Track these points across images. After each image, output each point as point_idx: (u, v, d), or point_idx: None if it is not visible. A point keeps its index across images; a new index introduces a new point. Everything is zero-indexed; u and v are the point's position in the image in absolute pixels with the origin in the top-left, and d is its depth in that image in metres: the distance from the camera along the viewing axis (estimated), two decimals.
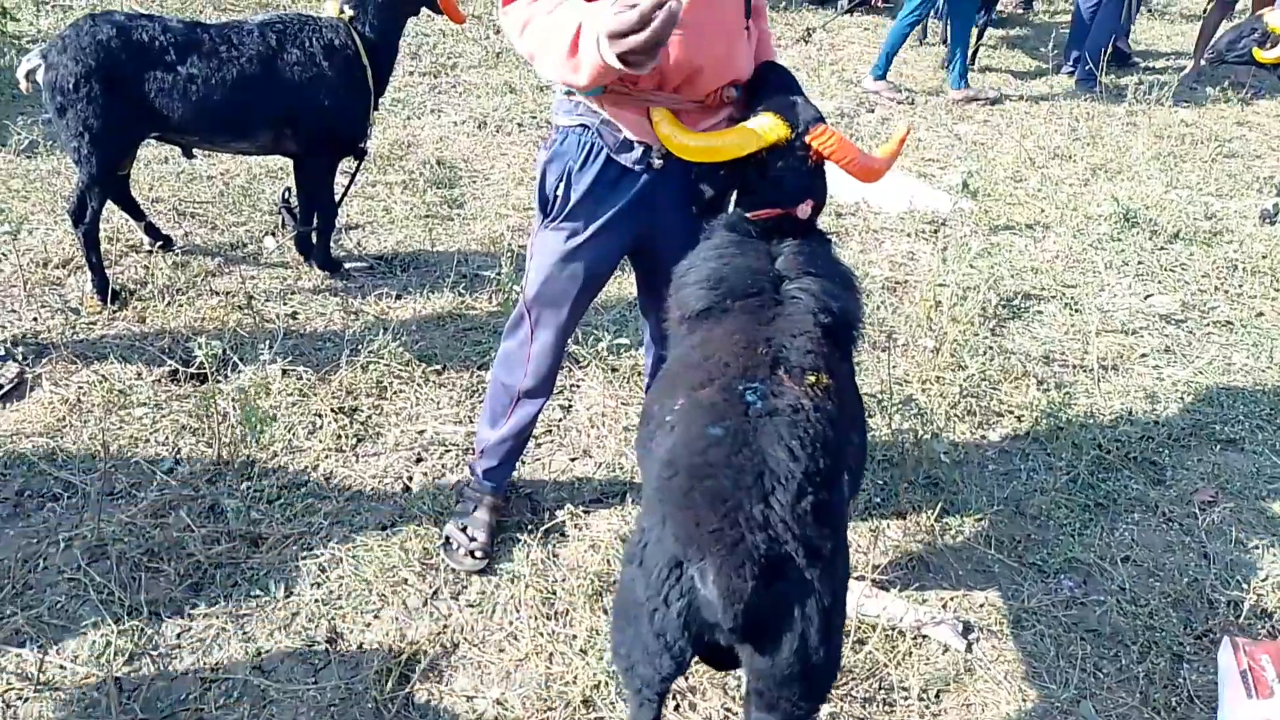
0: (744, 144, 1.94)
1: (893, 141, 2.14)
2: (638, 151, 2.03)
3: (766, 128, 1.95)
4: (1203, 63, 6.04)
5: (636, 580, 1.52)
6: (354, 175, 3.69)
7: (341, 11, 3.35)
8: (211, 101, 3.17)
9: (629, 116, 2.02)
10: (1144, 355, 3.66)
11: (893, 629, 2.38)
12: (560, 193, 2.09)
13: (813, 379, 1.61)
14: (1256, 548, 2.72)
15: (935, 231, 4.67)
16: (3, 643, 2.16)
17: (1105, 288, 4.14)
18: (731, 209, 2.10)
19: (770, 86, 2.11)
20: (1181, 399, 3.40)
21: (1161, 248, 4.50)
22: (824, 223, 4.53)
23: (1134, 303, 4.04)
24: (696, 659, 1.60)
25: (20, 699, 2.05)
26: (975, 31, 7.06)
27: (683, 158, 1.98)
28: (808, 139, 1.97)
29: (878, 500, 2.82)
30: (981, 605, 2.51)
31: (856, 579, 2.48)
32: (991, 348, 3.58)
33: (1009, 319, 3.87)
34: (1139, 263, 4.35)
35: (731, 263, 1.85)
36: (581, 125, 2.06)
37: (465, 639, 2.29)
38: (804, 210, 1.99)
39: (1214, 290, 4.16)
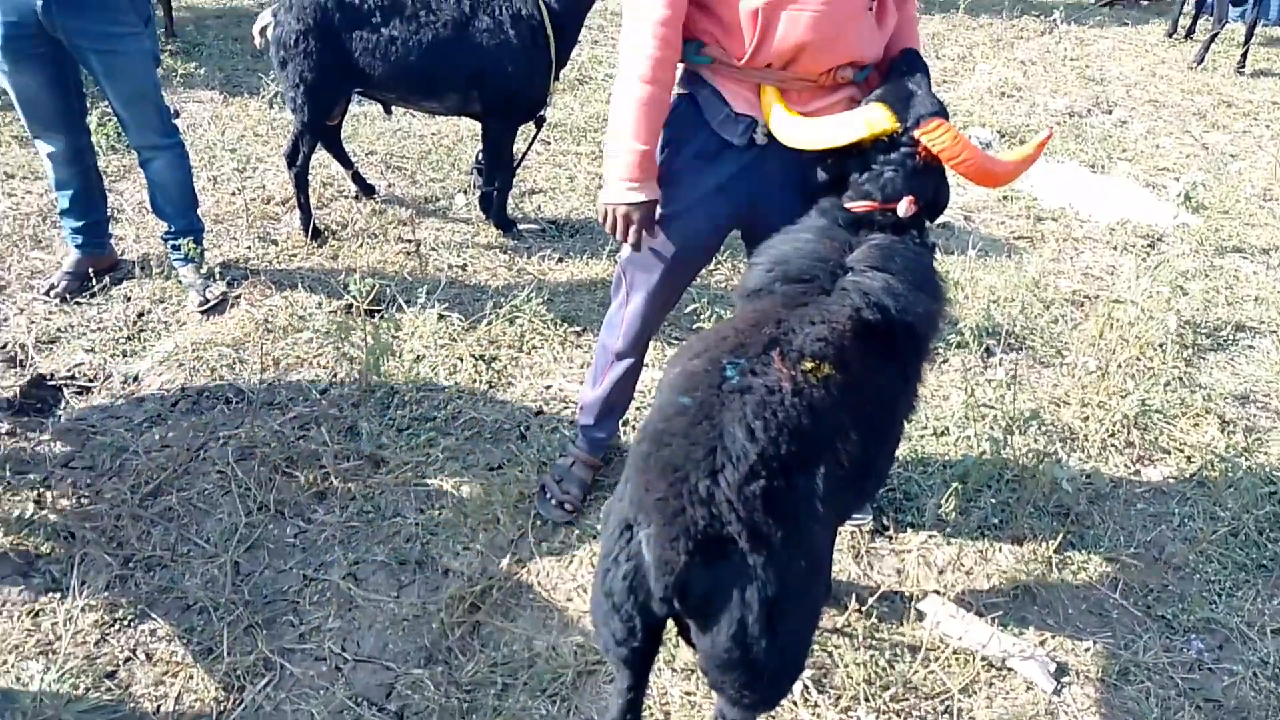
0: (845, 133, 1.87)
1: (1029, 145, 1.98)
2: (740, 126, 2.01)
3: (872, 119, 1.86)
4: None
5: (602, 539, 1.54)
6: (531, 141, 3.88)
7: None
8: (408, 62, 3.44)
9: (736, 90, 2.01)
10: None
11: (973, 655, 2.23)
12: (662, 160, 2.11)
13: (810, 365, 1.53)
14: None
15: (1150, 246, 4.24)
16: (158, 515, 2.51)
17: None
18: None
19: (895, 76, 2.01)
20: None
21: None
22: (1020, 226, 4.31)
23: None
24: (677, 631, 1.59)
25: (160, 565, 2.38)
26: (1244, 27, 6.26)
27: (782, 141, 1.95)
28: (916, 133, 1.86)
29: (994, 521, 2.63)
30: (1086, 650, 2.29)
31: (934, 593, 2.35)
32: (1178, 378, 3.22)
33: (1211, 350, 3.46)
34: None
35: (800, 248, 1.80)
36: (690, 96, 2.07)
37: (539, 583, 2.39)
38: (904, 208, 1.88)
39: None
